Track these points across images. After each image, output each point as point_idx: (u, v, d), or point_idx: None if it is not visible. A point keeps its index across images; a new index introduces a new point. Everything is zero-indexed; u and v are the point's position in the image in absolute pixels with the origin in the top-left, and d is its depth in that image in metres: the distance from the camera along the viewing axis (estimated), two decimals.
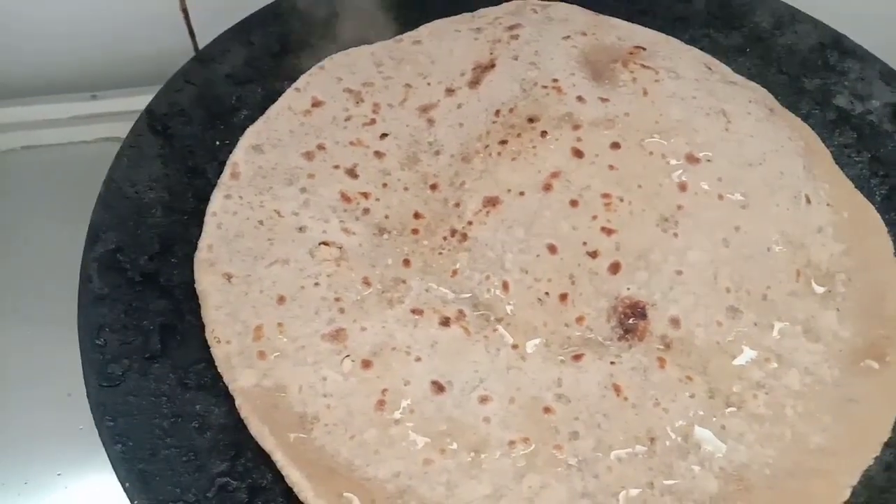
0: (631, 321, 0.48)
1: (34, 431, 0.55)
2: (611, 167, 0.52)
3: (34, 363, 0.57)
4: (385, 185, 0.54)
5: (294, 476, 0.42)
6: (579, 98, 0.56)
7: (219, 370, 0.46)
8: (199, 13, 0.71)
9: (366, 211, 0.52)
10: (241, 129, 0.55)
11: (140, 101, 0.67)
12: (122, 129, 0.68)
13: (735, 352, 0.48)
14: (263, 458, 0.43)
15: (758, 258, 0.50)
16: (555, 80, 0.57)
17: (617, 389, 0.46)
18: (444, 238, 0.51)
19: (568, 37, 0.60)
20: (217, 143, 0.55)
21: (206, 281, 0.48)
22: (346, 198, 0.52)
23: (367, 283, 0.49)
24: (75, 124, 0.69)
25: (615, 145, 0.53)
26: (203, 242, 0.50)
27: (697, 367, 0.47)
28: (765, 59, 0.62)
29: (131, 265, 0.48)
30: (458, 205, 0.53)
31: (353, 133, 0.56)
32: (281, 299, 0.48)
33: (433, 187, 0.54)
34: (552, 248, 0.50)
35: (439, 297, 0.49)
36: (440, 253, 0.51)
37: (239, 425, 0.44)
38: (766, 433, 0.45)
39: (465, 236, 0.51)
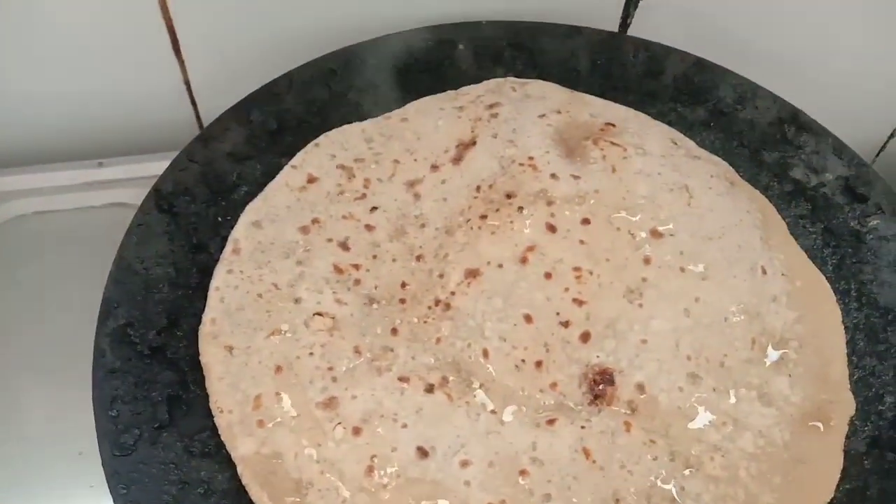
0: (600, 387, 0.53)
1: (47, 488, 0.59)
2: (581, 242, 0.57)
3: (48, 422, 0.61)
4: (375, 256, 0.58)
5: None
6: (553, 175, 0.60)
7: (222, 438, 0.50)
8: (200, 86, 0.76)
9: (357, 282, 0.57)
10: (242, 205, 0.59)
11: (144, 169, 0.72)
12: (128, 195, 0.73)
13: (695, 416, 0.52)
14: None
15: (716, 327, 0.55)
16: (531, 158, 0.61)
17: (587, 453, 0.50)
18: (429, 307, 0.56)
19: (544, 115, 0.65)
20: (219, 219, 0.59)
21: (210, 353, 0.53)
22: (338, 269, 0.57)
23: (357, 352, 0.53)
24: (84, 190, 0.73)
25: (585, 221, 0.58)
26: (207, 317, 0.54)
27: (660, 431, 0.51)
28: (727, 133, 0.67)
29: (140, 339, 0.53)
30: (441, 276, 0.57)
31: (345, 207, 0.60)
32: (278, 369, 0.52)
33: (419, 258, 0.58)
34: (528, 318, 0.55)
35: (424, 364, 0.53)
36: (425, 321, 0.55)
37: (241, 491, 0.48)
38: (721, 494, 0.49)
39: (448, 306, 0.55)
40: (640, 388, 0.53)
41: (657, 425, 0.52)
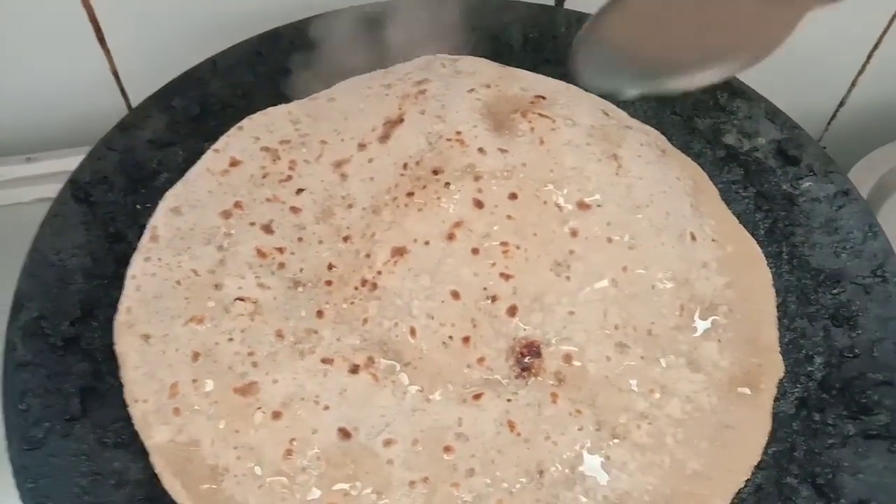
0: (527, 360, 0.52)
1: None
2: (509, 217, 0.56)
3: None
4: (300, 238, 0.57)
5: None
6: (480, 150, 0.59)
7: (136, 428, 0.48)
8: (129, 75, 0.74)
9: (281, 265, 0.55)
10: (162, 193, 0.58)
11: (75, 163, 0.70)
12: (58, 191, 0.71)
13: (622, 385, 0.51)
14: None
15: (644, 296, 0.54)
16: (458, 133, 0.60)
17: (511, 426, 0.49)
18: (356, 288, 0.54)
19: (472, 89, 0.63)
20: (138, 207, 0.58)
21: (125, 343, 0.51)
22: (261, 253, 0.55)
23: (280, 335, 0.52)
24: (12, 187, 0.72)
25: (513, 195, 0.57)
26: (122, 305, 0.53)
27: (587, 401, 0.51)
28: (660, 102, 0.66)
29: (53, 331, 0.51)
30: (368, 255, 0.56)
31: (269, 190, 0.59)
32: (196, 356, 0.51)
33: (346, 239, 0.57)
34: (455, 294, 0.54)
35: (350, 345, 0.52)
36: (352, 303, 0.54)
37: (154, 480, 0.47)
38: (648, 461, 0.48)
39: (374, 285, 0.54)
40: (568, 358, 0.52)
41: (584, 395, 0.51)
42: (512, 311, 0.53)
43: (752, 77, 0.66)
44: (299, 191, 0.59)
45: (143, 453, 0.48)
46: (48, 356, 0.50)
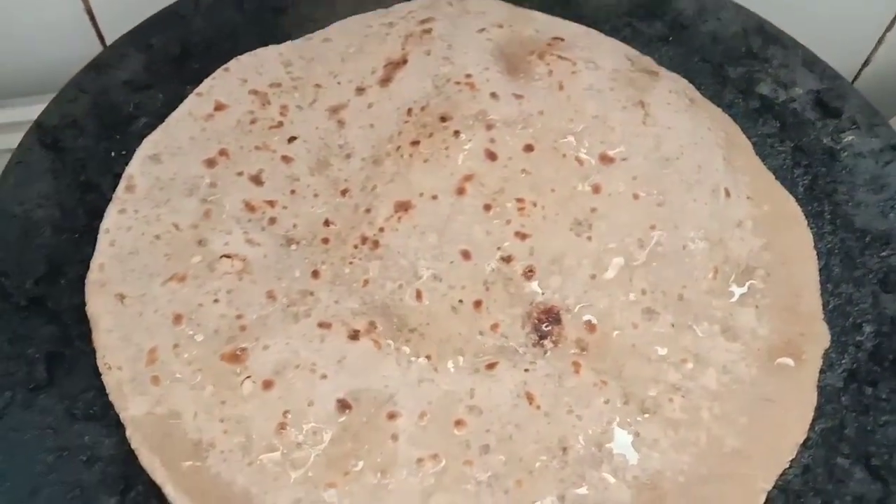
0: (545, 327, 0.47)
1: None
2: (524, 171, 0.51)
3: None
4: (293, 191, 0.51)
5: None
6: (493, 95, 0.53)
7: (110, 398, 0.43)
8: (105, 14, 0.68)
9: (272, 220, 0.50)
10: (140, 139, 0.52)
11: None
12: None
13: (651, 354, 0.46)
14: (156, 491, 0.41)
15: (673, 257, 0.49)
16: (468, 76, 0.54)
17: (530, 398, 0.45)
18: (355, 246, 0.49)
19: (483, 29, 0.58)
20: (113, 154, 0.52)
21: (97, 303, 0.46)
22: (250, 207, 0.50)
23: (271, 297, 0.47)
24: None
25: (528, 147, 0.51)
26: (95, 262, 0.47)
27: (613, 372, 0.46)
28: (688, 48, 0.61)
29: (16, 290, 0.46)
30: (368, 210, 0.50)
31: (258, 137, 0.53)
32: (178, 319, 0.46)
33: (344, 192, 0.51)
34: (466, 255, 0.48)
35: (349, 308, 0.47)
36: (351, 262, 0.49)
37: (130, 456, 0.42)
38: (681, 439, 0.44)
39: (376, 244, 0.49)
40: (590, 326, 0.47)
41: (609, 366, 0.46)
42: (528, 273, 0.48)
43: (780, 17, 0.61)
44: (291, 139, 0.53)
45: (117, 426, 0.43)
46: (10, 317, 0.46)
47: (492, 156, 0.51)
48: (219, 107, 0.54)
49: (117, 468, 0.42)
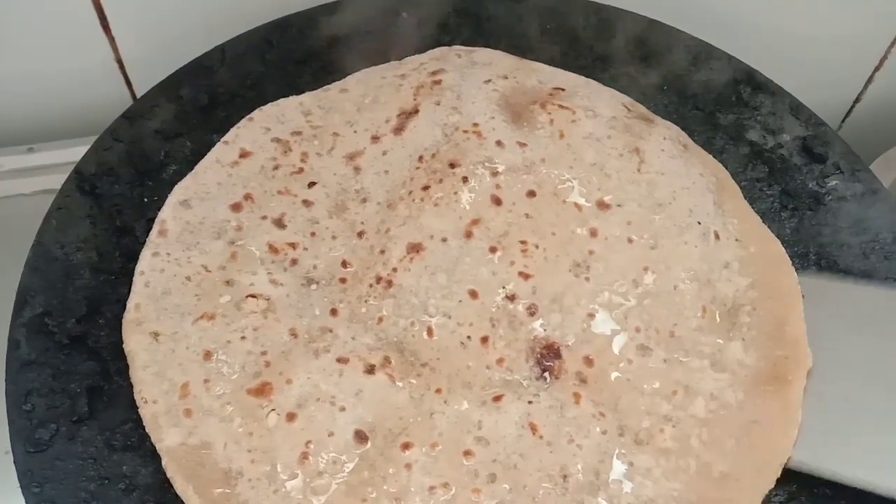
0: (547, 361, 0.50)
1: None
2: (527, 215, 0.54)
3: None
4: (313, 233, 0.55)
5: None
6: (498, 143, 0.57)
7: (146, 430, 0.47)
8: (133, 64, 0.72)
9: (294, 262, 0.54)
10: (170, 185, 0.56)
11: (77, 153, 0.68)
12: (60, 182, 0.69)
13: (644, 388, 0.50)
14: None
15: (665, 297, 0.52)
16: (475, 125, 0.58)
17: (533, 428, 0.48)
18: (371, 286, 0.53)
19: (489, 80, 0.62)
20: (146, 199, 0.56)
21: (134, 341, 0.50)
22: (273, 249, 0.54)
23: (293, 334, 0.50)
24: (13, 177, 0.70)
25: (531, 193, 0.55)
26: (131, 302, 0.51)
27: (609, 404, 0.49)
28: (681, 97, 0.64)
29: (59, 329, 0.49)
30: (383, 251, 0.54)
31: (281, 182, 0.57)
32: (207, 355, 0.49)
33: (360, 235, 0.55)
34: (473, 294, 0.52)
35: (365, 344, 0.50)
36: (366, 301, 0.52)
37: (165, 484, 0.45)
38: (673, 466, 0.47)
39: (390, 283, 0.53)
40: (588, 361, 0.50)
41: (606, 398, 0.49)
42: (531, 310, 0.52)
43: (767, 72, 0.65)
44: (311, 184, 0.57)
45: (152, 456, 0.46)
46: (54, 355, 0.49)
47: (497, 201, 0.55)
48: (244, 154, 0.58)
49: (154, 496, 0.45)
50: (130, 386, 0.48)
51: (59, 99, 0.73)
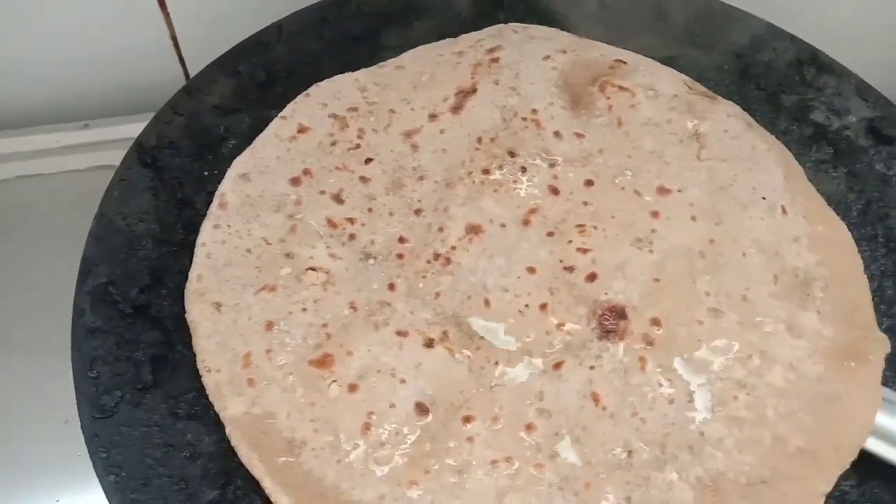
0: (611, 322, 0.49)
1: (33, 458, 0.57)
2: (585, 203, 0.54)
3: (31, 392, 0.59)
4: (370, 209, 0.55)
5: (283, 501, 0.44)
6: (556, 134, 0.57)
7: (210, 399, 0.47)
8: (188, 42, 0.73)
9: (352, 237, 0.53)
10: (229, 159, 0.56)
11: (132, 130, 0.69)
12: (115, 157, 0.70)
13: (718, 350, 0.48)
14: (253, 486, 0.45)
15: (734, 264, 0.51)
16: (534, 111, 0.58)
17: (595, 399, 0.47)
18: (428, 262, 0.53)
19: (548, 56, 0.61)
20: (206, 173, 0.56)
21: (196, 311, 0.50)
22: (332, 223, 0.54)
23: (353, 307, 0.50)
24: (69, 153, 0.71)
25: (589, 182, 0.55)
26: (193, 273, 0.51)
27: (678, 369, 0.48)
28: (743, 77, 0.63)
29: (122, 298, 0.50)
30: (441, 229, 0.54)
31: (338, 158, 0.57)
32: (269, 326, 0.49)
33: (417, 212, 0.55)
34: (531, 270, 0.52)
35: (423, 319, 0.50)
36: (424, 276, 0.52)
37: (229, 453, 0.45)
38: (746, 437, 0.46)
39: (448, 260, 0.52)
40: (656, 322, 0.49)
41: (675, 362, 0.48)
42: (591, 277, 0.51)
43: (827, 46, 0.63)
44: (368, 160, 0.57)
45: (215, 425, 0.46)
46: (118, 323, 0.49)
47: (555, 191, 0.55)
48: (302, 129, 0.58)
49: (218, 464, 0.45)
50: (193, 355, 0.48)
51: (114, 76, 0.74)
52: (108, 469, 0.44)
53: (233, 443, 0.45)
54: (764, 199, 0.54)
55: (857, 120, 0.60)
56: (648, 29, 0.65)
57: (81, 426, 0.45)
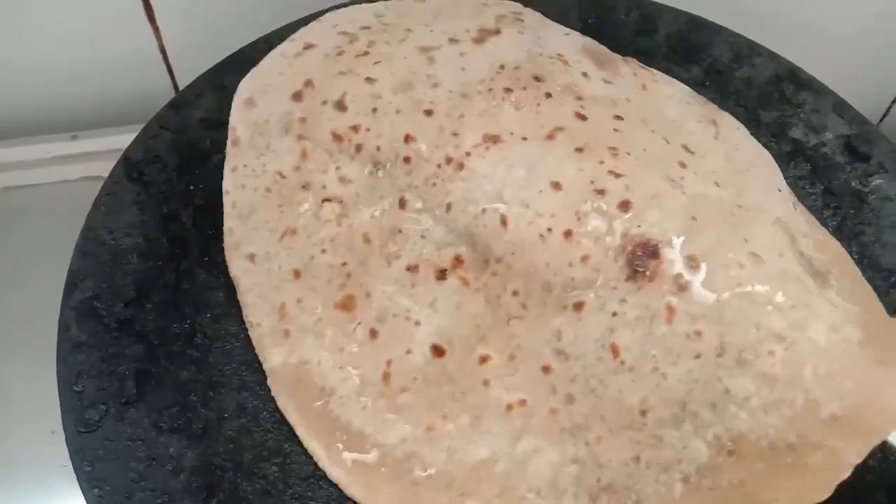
0: (641, 261, 0.44)
1: (18, 468, 0.55)
2: (615, 130, 0.49)
3: (17, 402, 0.57)
4: (375, 109, 0.50)
5: (313, 447, 0.46)
6: (584, 74, 0.53)
7: (256, 352, 0.49)
8: (177, 54, 0.73)
9: (358, 148, 0.50)
10: (216, 173, 0.54)
11: (120, 141, 0.68)
12: (104, 168, 0.70)
13: (757, 296, 0.43)
14: (235, 499, 0.45)
15: (763, 228, 0.48)
16: (560, 55, 0.54)
17: (615, 351, 0.44)
18: (439, 165, 0.48)
19: (569, 34, 0.59)
20: (192, 187, 0.55)
21: (236, 266, 0.50)
22: (337, 137, 0.50)
23: (367, 240, 0.49)
24: (58, 164, 0.70)
25: (618, 117, 0.50)
26: (225, 226, 0.51)
27: (712, 316, 0.43)
28: (723, 93, 0.64)
29: (108, 312, 0.49)
30: (455, 134, 0.49)
31: (344, 65, 0.52)
32: (296, 274, 0.49)
33: (428, 112, 0.49)
34: (556, 186, 0.46)
35: (434, 242, 0.47)
36: (434, 183, 0.48)
37: (211, 467, 0.46)
38: (776, 398, 0.41)
39: (461, 165, 0.48)
40: (692, 261, 0.44)
41: (709, 309, 0.43)
42: (624, 205, 0.45)
43: (806, 63, 0.64)
44: (376, 63, 0.52)
45: (199, 439, 0.46)
46: (102, 337, 0.48)
47: (582, 117, 0.49)
48: (308, 46, 0.55)
49: (201, 478, 0.45)
50: (176, 369, 0.49)
51: (102, 87, 0.73)
52: (92, 483, 0.44)
53: (273, 393, 0.47)
54: (780, 191, 0.52)
55: (834, 137, 0.61)
56: (633, 44, 0.66)
57: (66, 440, 0.45)
